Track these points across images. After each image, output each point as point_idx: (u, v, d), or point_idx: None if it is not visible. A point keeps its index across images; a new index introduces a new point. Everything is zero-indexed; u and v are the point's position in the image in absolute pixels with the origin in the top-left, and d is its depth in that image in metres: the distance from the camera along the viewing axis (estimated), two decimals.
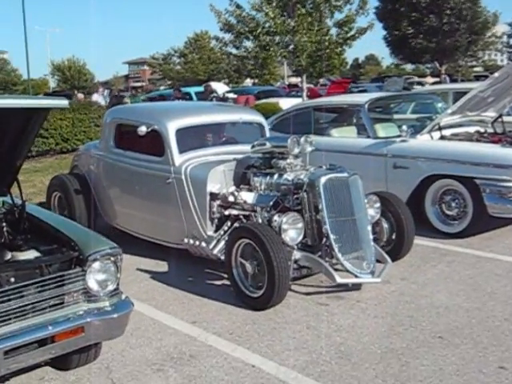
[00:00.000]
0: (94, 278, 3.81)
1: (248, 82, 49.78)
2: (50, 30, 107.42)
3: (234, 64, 38.87)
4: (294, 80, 46.01)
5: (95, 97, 18.83)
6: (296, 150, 5.89)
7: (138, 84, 73.40)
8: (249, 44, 17.19)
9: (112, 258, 3.87)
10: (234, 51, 18.16)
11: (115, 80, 77.24)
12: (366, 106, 8.01)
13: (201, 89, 22.65)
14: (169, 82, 51.83)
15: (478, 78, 30.75)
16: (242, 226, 5.58)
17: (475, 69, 49.86)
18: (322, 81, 39.93)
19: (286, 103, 18.34)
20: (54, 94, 39.91)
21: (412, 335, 4.60)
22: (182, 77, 48.11)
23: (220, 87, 27.01)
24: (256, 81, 48.61)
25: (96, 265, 3.80)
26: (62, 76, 58.54)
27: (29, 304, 3.59)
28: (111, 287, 3.87)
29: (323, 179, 5.45)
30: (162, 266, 6.54)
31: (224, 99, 18.96)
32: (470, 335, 4.55)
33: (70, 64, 58.28)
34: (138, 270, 6.46)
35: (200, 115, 6.88)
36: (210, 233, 6.07)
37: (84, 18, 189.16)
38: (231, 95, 23.00)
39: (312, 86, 36.28)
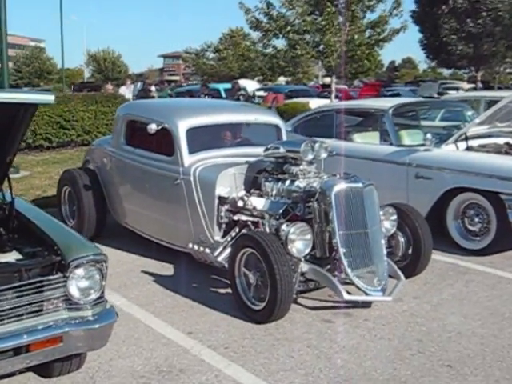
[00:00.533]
0: (76, 285, 3.58)
1: (281, 80, 49.52)
2: (87, 21, 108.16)
3: (267, 62, 38.57)
4: (328, 80, 45.57)
5: (122, 90, 18.67)
6: (310, 156, 5.59)
7: (173, 78, 73.62)
8: (278, 42, 16.92)
9: (97, 265, 3.64)
10: (262, 49, 17.86)
11: (150, 73, 77.50)
12: (391, 111, 7.66)
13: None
14: (203, 77, 51.72)
15: None
16: (246, 234, 5.31)
17: None
18: (356, 82, 39.58)
19: (316, 104, 17.95)
20: (82, 85, 40.18)
21: (418, 362, 4.28)
22: (215, 72, 47.94)
23: (251, 85, 26.75)
24: (289, 79, 48.40)
25: (79, 271, 3.57)
26: (96, 67, 58.93)
27: (5, 310, 3.38)
28: (94, 295, 3.64)
29: (335, 189, 5.15)
30: (167, 270, 6.32)
31: (251, 97, 18.68)
32: (482, 366, 4.21)
33: (105, 55, 58.64)
34: (142, 272, 6.24)
35: (213, 114, 6.61)
36: (218, 238, 5.81)
37: (121, 9, 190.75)
38: (261, 93, 22.74)
39: (346, 87, 35.87)
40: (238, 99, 15.98)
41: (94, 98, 14.49)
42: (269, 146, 5.91)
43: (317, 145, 5.64)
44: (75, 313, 3.59)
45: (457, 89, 27.64)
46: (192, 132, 6.15)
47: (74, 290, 3.57)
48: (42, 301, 3.50)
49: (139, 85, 24.11)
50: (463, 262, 6.46)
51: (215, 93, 20.44)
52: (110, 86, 20.59)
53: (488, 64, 28.04)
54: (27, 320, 3.46)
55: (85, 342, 3.64)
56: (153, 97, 17.39)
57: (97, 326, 3.61)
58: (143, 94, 17.71)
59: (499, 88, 29.81)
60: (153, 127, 6.05)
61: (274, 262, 4.72)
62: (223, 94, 21.20)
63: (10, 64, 57.82)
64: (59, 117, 13.80)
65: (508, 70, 42.45)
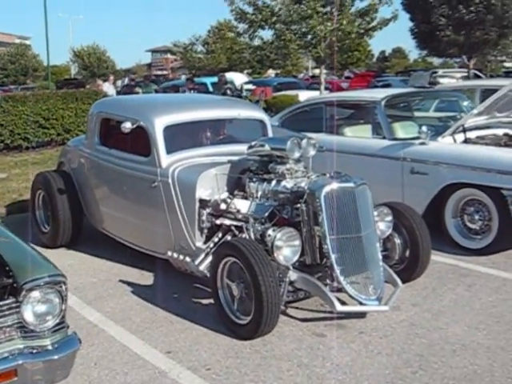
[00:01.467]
0: (31, 310, 3.14)
1: (270, 72, 49.01)
2: (74, 17, 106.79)
3: (256, 54, 38.12)
4: (318, 72, 45.12)
5: (106, 86, 18.02)
6: (296, 154, 5.15)
7: (162, 72, 73.01)
8: (264, 33, 16.48)
9: (55, 287, 3.20)
10: (248, 41, 17.42)
11: (137, 68, 76.74)
12: (383, 102, 7.23)
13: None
14: (191, 71, 51.08)
15: (507, 73, 29.53)
16: (228, 242, 4.88)
17: (506, 64, 48.39)
18: (346, 73, 39.17)
19: (305, 96, 17.50)
20: (65, 81, 39.65)
21: (420, 381, 3.86)
22: (203, 66, 47.32)
23: (239, 78, 26.27)
24: (279, 72, 47.87)
25: (34, 294, 3.13)
26: (82, 63, 58.03)
27: None
28: (52, 322, 3.19)
29: (325, 189, 4.71)
30: (147, 279, 5.88)
31: (238, 91, 18.20)
32: None
33: (89, 51, 57.76)
34: (120, 282, 5.81)
35: (192, 110, 6.13)
36: (199, 244, 5.37)
37: (109, 5, 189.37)
38: (249, 86, 22.26)
39: (336, 78, 35.44)
40: (225, 93, 15.53)
41: (75, 95, 13.94)
42: (253, 144, 5.47)
43: (304, 141, 5.20)
44: (31, 342, 3.16)
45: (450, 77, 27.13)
46: (169, 130, 5.70)
47: (29, 315, 3.14)
48: None
49: (126, 80, 23.55)
50: (464, 263, 6.05)
51: (202, 87, 19.94)
52: (100, 82, 19.87)
53: (480, 51, 27.61)
54: None
55: (44, 374, 3.20)
56: (137, 92, 16.91)
57: (56, 356, 3.17)
58: (127, 89, 17.21)
59: (491, 76, 29.40)
60: (127, 126, 5.61)
61: (259, 272, 4.29)
62: (210, 88, 20.70)
63: None
64: (38, 115, 13.26)
65: (499, 58, 42.10)
